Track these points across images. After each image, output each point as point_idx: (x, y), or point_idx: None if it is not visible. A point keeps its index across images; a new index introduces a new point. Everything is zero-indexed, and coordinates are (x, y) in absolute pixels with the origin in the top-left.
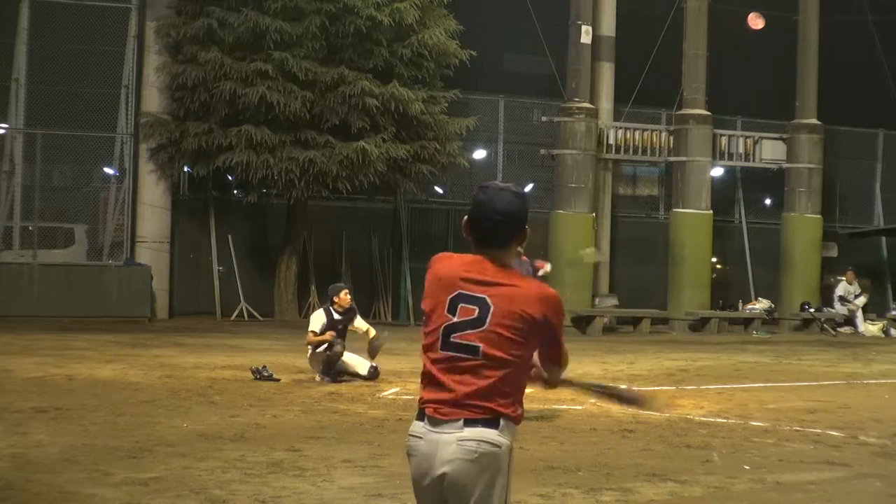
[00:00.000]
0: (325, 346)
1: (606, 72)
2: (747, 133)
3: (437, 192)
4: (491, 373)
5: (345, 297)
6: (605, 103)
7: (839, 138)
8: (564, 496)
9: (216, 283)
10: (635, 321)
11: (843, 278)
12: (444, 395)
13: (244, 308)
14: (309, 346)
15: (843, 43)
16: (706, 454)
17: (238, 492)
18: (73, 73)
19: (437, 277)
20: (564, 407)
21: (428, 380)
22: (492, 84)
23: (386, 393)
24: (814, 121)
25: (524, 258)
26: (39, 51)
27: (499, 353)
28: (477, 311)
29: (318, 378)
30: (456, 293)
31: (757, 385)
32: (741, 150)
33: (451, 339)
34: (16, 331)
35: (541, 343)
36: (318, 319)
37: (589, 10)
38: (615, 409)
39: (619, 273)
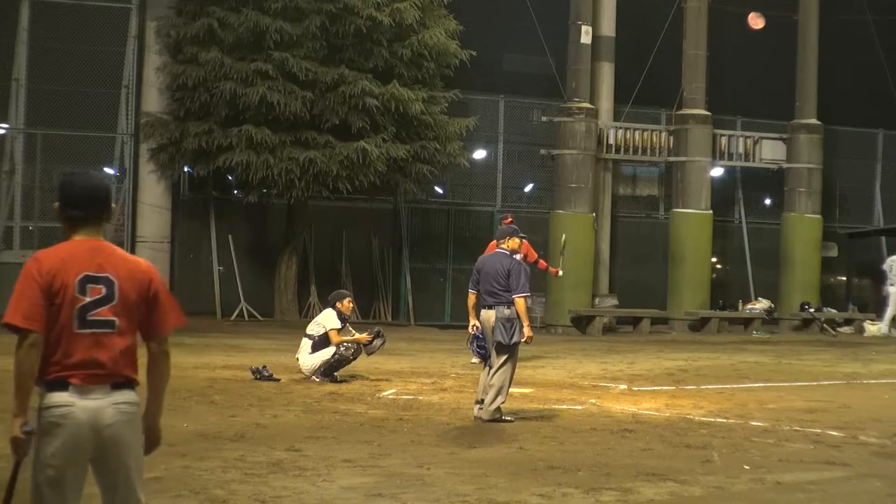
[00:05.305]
0: (351, 347)
1: (606, 72)
2: (747, 133)
3: (437, 192)
4: (124, 342)
5: (348, 304)
6: (605, 103)
7: (839, 138)
8: (564, 496)
9: (216, 283)
10: (635, 321)
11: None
12: (91, 366)
13: (244, 308)
14: (337, 345)
15: (843, 43)
16: (706, 454)
17: (238, 492)
18: (73, 73)
19: (48, 271)
20: (564, 407)
21: (66, 354)
22: (492, 84)
23: (386, 393)
24: (814, 121)
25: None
26: (39, 51)
27: (128, 323)
28: (104, 288)
29: (316, 378)
30: (82, 276)
31: (757, 385)
32: (741, 150)
33: (88, 318)
34: None
35: (154, 309)
36: (333, 318)
37: (589, 10)
38: (615, 408)
39: (619, 273)
